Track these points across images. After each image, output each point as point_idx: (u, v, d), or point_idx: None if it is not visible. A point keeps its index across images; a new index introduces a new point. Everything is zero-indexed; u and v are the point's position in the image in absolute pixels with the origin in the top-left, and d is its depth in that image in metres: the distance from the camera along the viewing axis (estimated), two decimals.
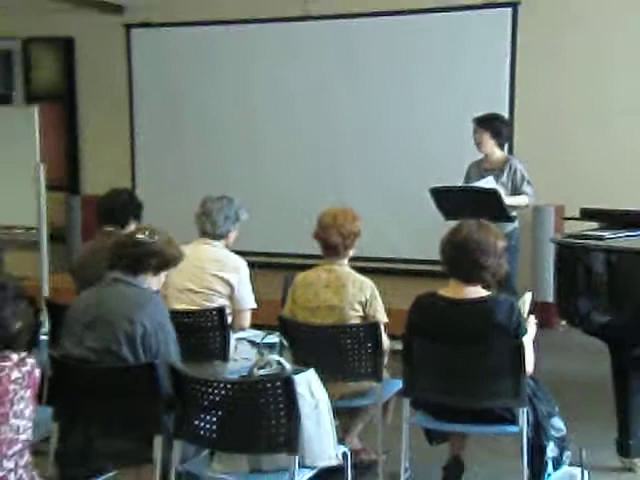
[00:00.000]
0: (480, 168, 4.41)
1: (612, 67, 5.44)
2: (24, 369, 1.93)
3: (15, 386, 1.90)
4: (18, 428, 1.91)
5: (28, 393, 1.94)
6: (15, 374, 1.91)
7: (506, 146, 4.80)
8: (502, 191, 4.15)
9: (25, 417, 1.92)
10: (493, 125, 4.38)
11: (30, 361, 1.95)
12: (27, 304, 2.11)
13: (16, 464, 1.92)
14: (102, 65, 6.66)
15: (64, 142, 6.80)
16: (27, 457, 1.96)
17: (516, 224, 4.42)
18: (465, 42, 5.79)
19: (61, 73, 6.90)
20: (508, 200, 4.15)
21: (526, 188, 4.33)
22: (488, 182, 4.04)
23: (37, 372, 1.97)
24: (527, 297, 3.01)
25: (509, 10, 5.64)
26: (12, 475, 1.91)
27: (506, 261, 2.97)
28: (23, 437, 1.92)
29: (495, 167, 4.35)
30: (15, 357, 1.92)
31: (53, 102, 6.73)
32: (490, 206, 3.92)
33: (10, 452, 1.90)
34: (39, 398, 2.09)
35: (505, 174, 4.32)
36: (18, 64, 6.92)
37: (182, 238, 2.85)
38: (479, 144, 4.41)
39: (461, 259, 2.70)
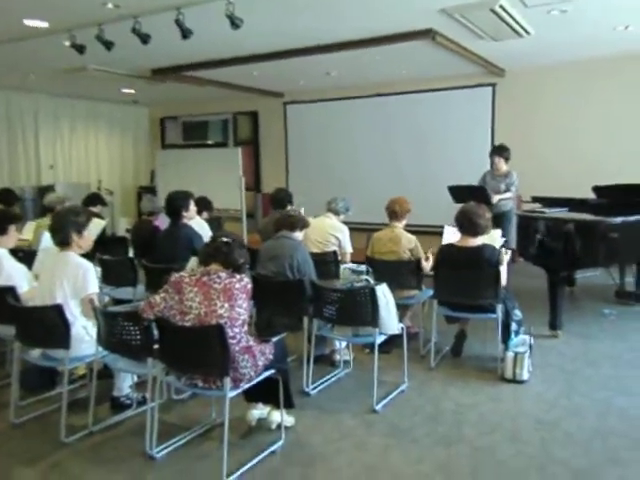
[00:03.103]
0: (492, 175, 5.48)
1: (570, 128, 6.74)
2: (242, 283, 2.47)
3: (236, 291, 2.43)
4: (239, 313, 2.45)
5: (243, 295, 2.47)
6: (237, 285, 2.45)
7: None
8: (503, 188, 5.27)
9: (242, 307, 2.46)
10: (505, 153, 5.40)
11: (246, 279, 2.52)
12: (244, 248, 2.66)
13: (239, 331, 2.46)
14: (272, 125, 9.06)
15: (252, 166, 9.26)
16: (245, 327, 2.51)
17: (511, 205, 5.47)
18: (460, 110, 7.34)
19: (251, 130, 9.11)
20: (500, 196, 5.23)
21: (512, 188, 5.32)
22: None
23: (249, 285, 2.52)
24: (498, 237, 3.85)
25: (490, 88, 7.02)
26: (238, 336, 2.44)
27: (496, 225, 3.83)
28: (242, 317, 2.48)
29: (501, 175, 5.42)
30: (238, 276, 2.49)
31: (247, 146, 8.94)
32: (480, 196, 4.77)
33: (236, 324, 2.44)
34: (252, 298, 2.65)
35: (506, 179, 5.35)
36: (231, 125, 9.15)
37: (315, 212, 3.85)
38: (496, 163, 5.44)
39: (466, 222, 3.53)
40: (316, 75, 7.27)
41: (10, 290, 3.04)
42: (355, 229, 4.49)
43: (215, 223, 5.50)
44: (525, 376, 3.40)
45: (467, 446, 2.73)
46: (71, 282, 2.84)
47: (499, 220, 4.86)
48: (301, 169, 8.86)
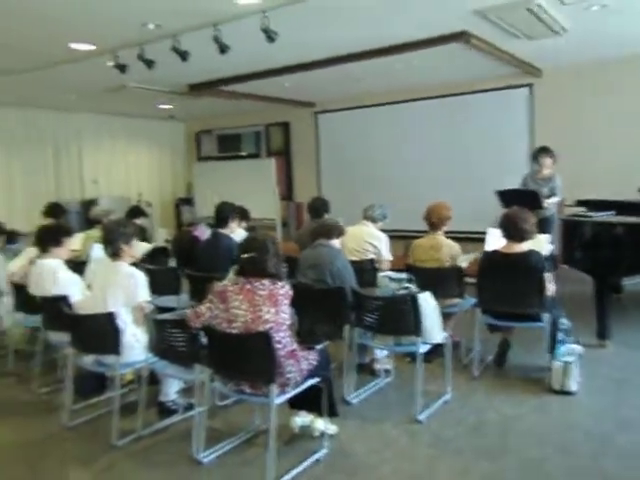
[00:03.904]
0: (535, 178, 5.32)
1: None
2: (284, 289, 2.54)
3: (280, 297, 2.50)
4: (283, 318, 2.51)
5: (286, 301, 2.54)
6: (280, 291, 2.51)
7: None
8: (547, 192, 5.11)
9: (286, 313, 2.53)
10: (551, 154, 5.23)
11: (287, 286, 2.58)
12: (279, 256, 2.65)
13: (284, 335, 2.51)
14: (303, 135, 9.18)
15: (284, 176, 9.28)
16: (289, 332, 2.57)
17: (554, 210, 5.31)
18: (496, 112, 7.25)
19: (284, 140, 9.19)
20: (552, 199, 5.11)
21: (557, 191, 5.17)
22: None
23: (290, 291, 2.58)
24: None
25: (526, 89, 6.94)
26: (283, 340, 2.50)
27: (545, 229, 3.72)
28: (287, 322, 2.54)
29: (544, 178, 5.26)
30: (280, 283, 2.55)
31: (281, 155, 9.09)
32: (531, 200, 4.69)
33: (282, 328, 2.50)
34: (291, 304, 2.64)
35: (550, 183, 5.19)
36: (263, 137, 9.30)
37: (349, 221, 3.88)
38: (542, 165, 5.24)
39: (511, 227, 3.47)
40: (347, 83, 7.32)
41: (64, 299, 3.20)
42: (392, 236, 4.44)
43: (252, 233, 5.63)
44: (573, 387, 3.33)
45: (514, 458, 2.69)
46: (123, 291, 2.97)
47: (541, 225, 4.72)
48: (334, 177, 8.90)
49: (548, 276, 3.40)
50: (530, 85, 7.04)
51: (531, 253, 3.43)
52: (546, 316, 3.40)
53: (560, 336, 3.49)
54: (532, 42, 5.34)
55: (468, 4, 4.26)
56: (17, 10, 4.04)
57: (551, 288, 3.42)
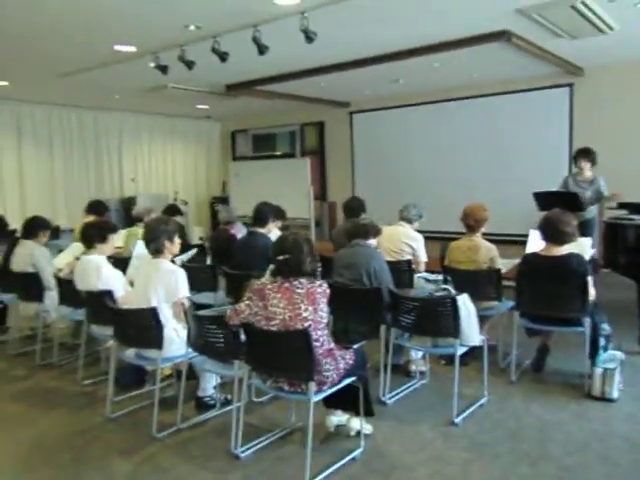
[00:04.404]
0: (576, 180, 5.19)
1: None
2: (322, 287, 2.55)
3: (318, 295, 2.51)
4: (321, 316, 2.51)
5: (324, 299, 2.54)
6: (318, 290, 2.52)
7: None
8: (589, 195, 4.99)
9: (324, 311, 2.53)
10: (591, 156, 5.10)
11: (324, 284, 2.57)
12: (314, 255, 2.63)
13: (322, 334, 2.50)
14: (338, 135, 9.26)
15: (318, 175, 9.44)
16: (326, 331, 2.56)
17: (595, 212, 5.20)
18: (535, 112, 7.13)
19: (318, 140, 9.32)
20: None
21: (605, 193, 5.05)
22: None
23: (328, 290, 2.57)
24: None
25: (567, 89, 6.76)
26: (321, 339, 2.49)
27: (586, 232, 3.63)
28: (325, 320, 2.54)
29: (586, 180, 5.12)
30: (318, 282, 2.56)
31: (315, 155, 9.19)
32: (572, 202, 4.61)
33: (319, 327, 2.50)
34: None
35: (592, 186, 5.06)
36: (298, 137, 9.42)
37: (384, 221, 3.88)
38: (582, 168, 5.12)
39: (551, 230, 3.40)
40: (383, 83, 7.32)
41: (109, 293, 3.31)
42: (427, 238, 4.40)
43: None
44: (615, 394, 3.25)
45: (553, 465, 2.64)
46: (164, 287, 3.05)
47: (582, 228, 4.58)
48: (368, 177, 8.92)
49: (589, 280, 3.33)
50: (571, 85, 6.89)
51: (572, 256, 3.35)
52: (587, 321, 3.33)
53: (601, 342, 3.40)
54: (575, 41, 5.21)
55: (510, 3, 4.20)
56: (66, 16, 4.19)
57: (592, 292, 3.35)
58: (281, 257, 2.55)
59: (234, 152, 10.86)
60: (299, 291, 2.51)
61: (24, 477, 2.67)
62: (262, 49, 4.59)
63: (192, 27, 4.57)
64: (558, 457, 2.71)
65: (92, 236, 3.65)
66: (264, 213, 4.31)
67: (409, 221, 4.29)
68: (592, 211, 5.20)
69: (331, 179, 9.55)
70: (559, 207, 3.57)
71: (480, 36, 5.01)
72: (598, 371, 3.27)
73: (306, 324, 2.47)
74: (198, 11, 4.19)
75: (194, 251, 4.96)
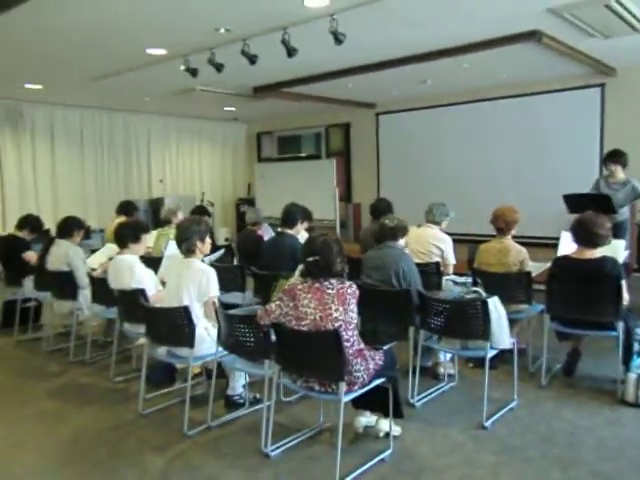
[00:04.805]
0: (608, 182, 5.08)
1: None
2: (352, 288, 2.56)
3: (348, 296, 2.53)
4: (351, 317, 2.54)
5: (354, 300, 2.56)
6: (348, 290, 2.54)
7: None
8: (621, 197, 4.86)
9: (354, 311, 2.55)
10: (622, 159, 5.00)
11: (354, 285, 2.59)
12: (343, 255, 2.64)
13: (352, 334, 2.55)
14: (364, 136, 9.24)
15: (344, 177, 9.47)
16: (356, 331, 2.59)
17: (627, 214, 5.09)
18: (565, 113, 6.99)
19: (343, 141, 9.32)
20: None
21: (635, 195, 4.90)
22: None
23: (357, 291, 2.59)
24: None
25: (598, 89, 6.61)
26: (352, 339, 2.53)
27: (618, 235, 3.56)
28: (354, 321, 2.57)
29: (618, 183, 5.01)
30: (348, 283, 2.58)
31: (340, 157, 9.17)
32: (603, 204, 4.51)
33: (350, 327, 2.53)
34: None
35: (625, 188, 4.94)
36: (323, 138, 9.47)
37: (410, 222, 3.83)
38: (612, 171, 5.02)
39: (584, 232, 3.35)
40: (411, 84, 7.30)
41: (142, 292, 3.38)
42: (455, 240, 4.34)
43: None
44: None
45: (587, 471, 2.60)
46: (196, 286, 3.11)
47: (614, 230, 4.48)
48: (394, 179, 8.88)
49: (623, 284, 3.26)
50: (602, 85, 6.76)
51: (605, 259, 3.30)
52: (620, 325, 3.27)
53: (635, 347, 3.33)
54: (608, 40, 5.11)
55: (541, 2, 4.15)
56: (101, 23, 4.31)
57: (626, 297, 3.28)
58: (311, 258, 2.58)
59: (259, 154, 10.95)
60: (329, 291, 2.52)
61: (62, 471, 2.75)
62: (291, 51, 4.63)
63: (222, 30, 4.64)
64: (591, 462, 2.66)
65: (125, 236, 3.73)
66: (293, 214, 4.35)
67: (436, 223, 4.24)
68: (624, 213, 5.07)
69: (356, 180, 9.56)
70: (590, 209, 3.52)
71: (510, 36, 4.96)
72: (632, 376, 3.21)
73: (337, 324, 2.49)
74: (229, 15, 4.25)
75: (222, 251, 5.03)
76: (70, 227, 4.57)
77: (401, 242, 3.59)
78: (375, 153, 9.11)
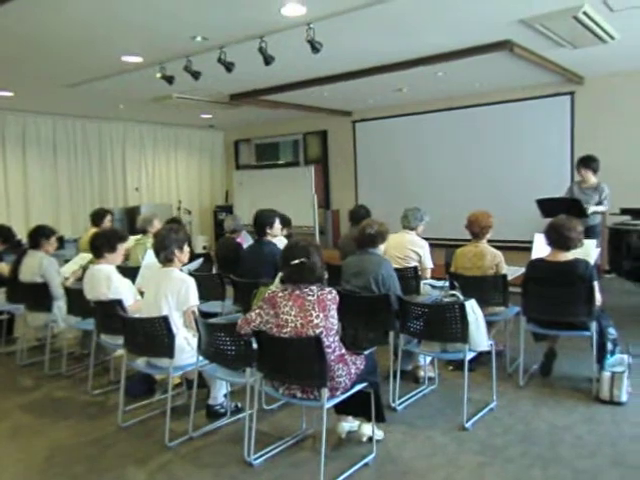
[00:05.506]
0: (581, 187, 5.22)
1: None
2: (332, 294, 2.58)
3: (329, 302, 2.54)
4: (332, 323, 2.55)
5: (334, 306, 2.57)
6: (329, 297, 2.55)
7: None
8: (593, 201, 4.97)
9: (334, 317, 2.56)
10: (593, 164, 5.13)
11: (334, 291, 2.61)
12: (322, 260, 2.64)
13: (333, 340, 2.52)
14: (341, 144, 9.29)
15: (322, 184, 9.39)
16: (337, 337, 2.61)
17: (599, 219, 5.17)
18: (537, 121, 7.13)
19: (321, 149, 9.32)
20: (595, 208, 4.94)
21: (605, 201, 5.02)
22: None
23: (337, 297, 2.61)
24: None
25: (568, 97, 6.80)
26: (333, 345, 2.55)
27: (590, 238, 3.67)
28: (335, 327, 2.58)
29: (590, 187, 5.14)
30: (327, 289, 2.57)
31: (318, 164, 9.18)
32: (573, 209, 4.60)
33: (331, 333, 2.54)
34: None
35: (596, 193, 5.06)
36: (301, 145, 9.43)
37: (392, 228, 3.88)
38: (583, 176, 5.16)
39: (556, 236, 3.44)
40: (386, 92, 7.38)
41: (119, 303, 3.33)
42: (431, 245, 4.40)
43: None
44: (624, 397, 3.26)
45: (567, 468, 2.65)
46: (175, 296, 3.07)
47: (586, 234, 4.62)
48: (371, 186, 8.97)
49: (596, 285, 3.35)
50: (572, 93, 6.97)
51: (578, 262, 3.39)
52: (594, 325, 3.35)
53: (609, 346, 3.42)
54: (576, 50, 5.26)
55: (513, 14, 4.25)
56: (74, 28, 4.25)
57: (599, 297, 3.37)
58: (297, 261, 2.58)
59: (237, 161, 10.91)
60: (310, 298, 2.53)
61: None
62: (268, 59, 4.64)
63: (199, 38, 4.62)
64: (571, 460, 2.72)
65: (101, 245, 3.67)
66: (263, 220, 4.30)
67: (411, 228, 4.29)
68: (596, 217, 5.22)
69: (334, 187, 9.59)
70: (562, 213, 3.61)
71: (483, 46, 5.07)
72: (606, 375, 3.29)
73: (318, 331, 2.49)
74: (206, 23, 4.24)
75: (200, 260, 4.99)
76: (40, 236, 4.47)
77: (381, 247, 3.61)
78: (353, 160, 9.18)
